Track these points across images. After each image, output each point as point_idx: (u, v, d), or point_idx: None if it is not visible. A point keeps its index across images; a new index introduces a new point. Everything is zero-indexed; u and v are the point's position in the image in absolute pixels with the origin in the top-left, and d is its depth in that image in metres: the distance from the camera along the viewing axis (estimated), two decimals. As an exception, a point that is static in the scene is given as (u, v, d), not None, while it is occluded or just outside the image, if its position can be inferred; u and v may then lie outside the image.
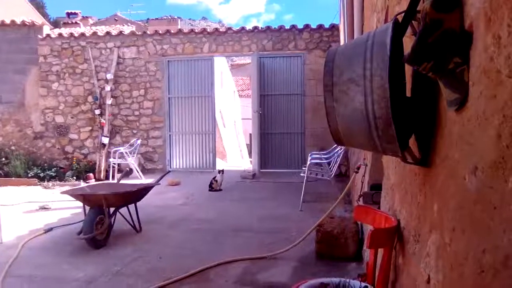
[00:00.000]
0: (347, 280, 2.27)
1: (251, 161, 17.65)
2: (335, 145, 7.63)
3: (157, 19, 32.10)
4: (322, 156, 6.82)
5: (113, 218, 4.84)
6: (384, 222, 2.18)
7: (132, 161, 9.57)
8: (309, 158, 6.86)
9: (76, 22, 22.44)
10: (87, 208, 4.77)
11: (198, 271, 3.80)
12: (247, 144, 24.28)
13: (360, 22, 5.45)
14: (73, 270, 3.95)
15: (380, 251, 2.18)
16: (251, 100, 10.33)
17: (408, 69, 1.72)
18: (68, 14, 27.20)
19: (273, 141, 10.25)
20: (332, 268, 3.89)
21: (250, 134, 25.65)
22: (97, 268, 3.96)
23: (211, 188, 7.96)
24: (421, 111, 1.62)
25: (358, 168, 4.38)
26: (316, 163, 6.78)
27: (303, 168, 6.94)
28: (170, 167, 10.63)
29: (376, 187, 3.98)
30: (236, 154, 19.35)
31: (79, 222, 5.17)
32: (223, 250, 4.46)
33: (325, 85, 1.54)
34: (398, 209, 2.22)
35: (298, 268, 3.95)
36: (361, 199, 4.31)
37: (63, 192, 4.85)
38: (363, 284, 2.19)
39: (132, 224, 5.11)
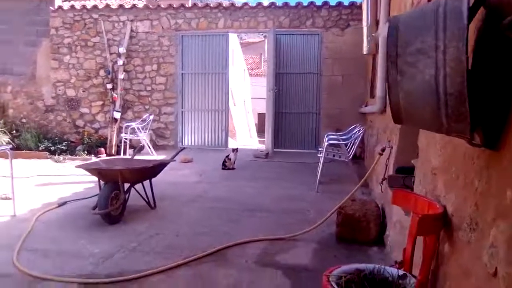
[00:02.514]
0: (382, 266, 2.15)
1: (259, 141, 17.57)
2: (353, 125, 7.47)
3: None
4: (340, 137, 6.65)
5: (128, 194, 4.75)
6: (427, 208, 2.05)
7: (144, 137, 9.48)
8: (326, 138, 6.70)
9: (87, -5, 22.12)
10: (102, 183, 4.67)
11: (216, 250, 3.70)
12: (255, 124, 24.16)
13: (387, -1, 5.24)
14: (88, 245, 3.86)
15: (420, 238, 2.05)
16: (265, 79, 10.14)
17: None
18: (79, -13, 26.82)
19: (287, 120, 10.11)
20: (353, 251, 3.80)
21: (259, 114, 25.57)
22: (112, 244, 3.87)
23: (224, 166, 7.86)
24: (488, 87, 1.47)
25: (383, 150, 4.23)
26: (332, 144, 6.63)
27: (320, 149, 6.80)
28: (182, 144, 10.54)
29: (403, 170, 3.85)
30: (245, 133, 19.24)
31: (93, 196, 5.10)
32: (239, 230, 4.37)
33: (389, 56, 1.39)
34: (442, 194, 2.09)
35: (318, 250, 3.84)
36: (384, 182, 4.18)
37: (78, 166, 4.75)
38: (401, 272, 2.07)
39: (147, 200, 5.02)
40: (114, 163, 5.23)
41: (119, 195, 4.54)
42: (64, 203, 5.25)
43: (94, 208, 4.49)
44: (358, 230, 3.99)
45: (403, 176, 3.48)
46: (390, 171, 4.06)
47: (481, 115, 1.52)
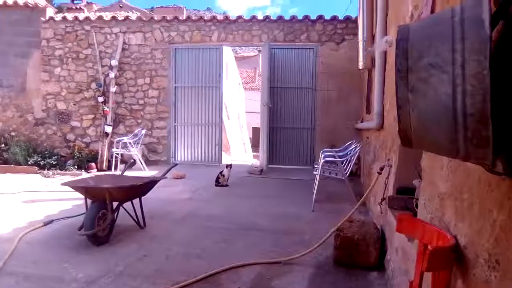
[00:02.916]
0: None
1: (254, 155, 17.36)
2: (349, 142, 7.32)
3: (162, 7, 31.61)
4: (336, 154, 6.49)
5: (116, 213, 4.55)
6: (436, 238, 1.87)
7: (135, 152, 9.26)
8: (322, 155, 6.54)
9: (80, 8, 22.07)
10: (89, 201, 4.46)
11: (208, 275, 3.51)
12: (250, 138, 24.00)
13: (384, 13, 5.12)
14: (73, 269, 3.66)
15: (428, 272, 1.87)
16: (259, 93, 10.01)
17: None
18: (72, 0, 26.80)
19: (281, 136, 9.95)
20: (353, 277, 3.61)
21: (253, 128, 25.42)
22: (98, 268, 3.67)
23: (218, 183, 7.66)
24: (508, 107, 1.30)
25: (382, 169, 4.07)
26: (328, 161, 6.45)
27: (316, 166, 6.63)
28: (175, 159, 10.33)
29: (403, 191, 3.69)
30: (240, 148, 19.06)
31: (81, 214, 4.88)
32: (232, 251, 4.18)
33: (398, 70, 1.23)
34: (452, 223, 1.92)
35: (316, 275, 3.66)
36: (384, 202, 4.01)
37: (63, 184, 4.54)
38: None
39: (136, 219, 4.81)
40: (102, 180, 5.03)
41: (107, 215, 4.33)
42: (50, 222, 5.03)
43: (80, 228, 4.28)
44: (356, 254, 3.81)
45: (405, 197, 3.32)
46: (390, 191, 3.90)
47: (503, 139, 1.36)
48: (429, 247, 1.64)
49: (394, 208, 3.68)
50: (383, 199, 3.96)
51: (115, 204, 4.55)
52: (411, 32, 1.28)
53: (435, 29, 1.23)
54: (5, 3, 10.47)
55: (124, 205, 4.73)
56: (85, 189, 4.38)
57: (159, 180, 5.20)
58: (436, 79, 1.17)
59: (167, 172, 5.49)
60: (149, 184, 4.94)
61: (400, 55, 1.24)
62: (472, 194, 1.69)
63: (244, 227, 5.02)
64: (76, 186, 4.46)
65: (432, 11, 2.37)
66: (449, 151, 1.26)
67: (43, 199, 6.52)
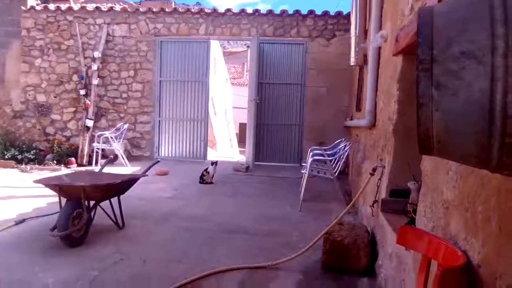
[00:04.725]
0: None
1: (240, 151, 17.14)
2: (338, 140, 7.12)
3: (150, 0, 31.05)
4: (325, 152, 6.27)
5: (92, 212, 4.28)
6: (443, 253, 1.65)
7: (117, 147, 8.94)
8: (310, 153, 6.32)
9: (66, -1, 21.50)
10: (64, 200, 4.18)
11: (189, 282, 3.27)
12: (236, 134, 23.79)
13: (379, 7, 4.91)
14: (43, 273, 3.40)
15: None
16: (247, 88, 9.75)
17: None
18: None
19: (269, 132, 9.72)
20: (342, 283, 3.43)
21: (240, 123, 25.18)
22: (70, 273, 3.41)
23: (202, 180, 7.41)
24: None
25: (374, 170, 3.86)
26: (317, 160, 6.23)
27: (304, 165, 6.41)
28: (158, 155, 10.03)
29: (397, 193, 3.49)
30: (226, 144, 18.81)
31: (55, 213, 4.59)
32: (215, 255, 3.96)
33: (420, 61, 0.99)
34: (461, 236, 1.70)
35: (303, 282, 3.46)
36: (375, 205, 3.82)
37: (36, 181, 4.24)
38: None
39: (114, 219, 4.54)
40: (79, 177, 4.74)
41: (82, 214, 4.05)
42: (22, 221, 4.74)
43: (53, 228, 4.00)
44: (346, 259, 3.61)
45: (399, 200, 3.12)
46: (383, 194, 3.69)
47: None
48: (440, 267, 1.42)
49: (386, 211, 3.49)
50: (375, 201, 3.77)
51: (92, 203, 4.28)
52: (436, 15, 1.04)
53: (468, 9, 1.00)
54: (-17, -10, 10.03)
55: (103, 203, 4.47)
56: (59, 187, 4.09)
57: (139, 178, 4.93)
58: (470, 72, 0.94)
59: (148, 169, 5.23)
60: (128, 182, 4.67)
61: (424, 42, 1.00)
62: (488, 207, 1.48)
63: (227, 229, 4.79)
64: (49, 183, 4.17)
65: (440, 0, 2.14)
66: (478, 160, 1.03)
67: (18, 195, 6.22)
